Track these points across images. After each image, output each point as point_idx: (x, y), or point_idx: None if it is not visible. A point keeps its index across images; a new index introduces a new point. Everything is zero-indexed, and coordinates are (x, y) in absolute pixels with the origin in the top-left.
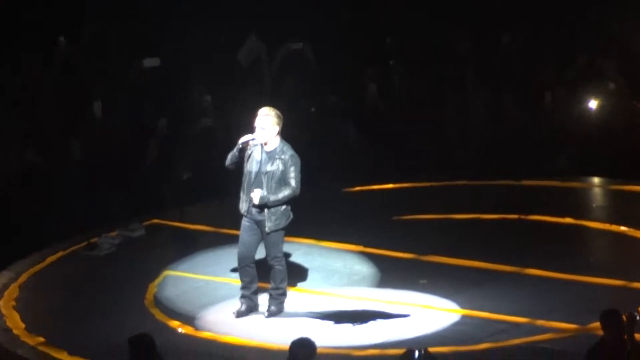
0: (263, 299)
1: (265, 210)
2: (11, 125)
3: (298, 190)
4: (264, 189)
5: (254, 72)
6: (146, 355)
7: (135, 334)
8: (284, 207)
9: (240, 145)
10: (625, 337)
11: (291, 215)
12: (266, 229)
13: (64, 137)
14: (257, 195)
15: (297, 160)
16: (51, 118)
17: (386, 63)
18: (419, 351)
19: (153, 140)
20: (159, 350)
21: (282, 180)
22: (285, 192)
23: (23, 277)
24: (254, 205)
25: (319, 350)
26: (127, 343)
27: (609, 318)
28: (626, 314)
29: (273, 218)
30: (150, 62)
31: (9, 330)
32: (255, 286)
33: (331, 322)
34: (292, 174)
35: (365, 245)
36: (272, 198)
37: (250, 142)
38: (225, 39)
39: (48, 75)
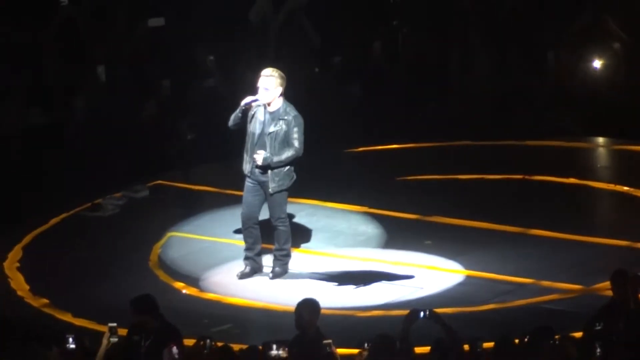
0: (267, 260)
1: (269, 171)
2: (15, 85)
3: (301, 151)
4: (267, 150)
5: (257, 32)
6: (149, 317)
7: (138, 295)
8: (287, 168)
9: (243, 107)
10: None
11: (294, 176)
12: (269, 190)
13: (68, 98)
14: (260, 156)
15: (301, 120)
16: (55, 79)
17: (390, 22)
18: (424, 312)
19: (151, 101)
20: (163, 311)
21: (286, 141)
22: (288, 153)
23: (27, 239)
24: (257, 166)
25: (323, 311)
26: (130, 304)
27: (620, 278)
28: (631, 275)
29: (276, 179)
30: (155, 22)
31: (13, 292)
32: (259, 247)
33: (336, 283)
34: (295, 135)
35: (370, 206)
36: (276, 159)
37: (253, 104)
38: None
39: (51, 37)
